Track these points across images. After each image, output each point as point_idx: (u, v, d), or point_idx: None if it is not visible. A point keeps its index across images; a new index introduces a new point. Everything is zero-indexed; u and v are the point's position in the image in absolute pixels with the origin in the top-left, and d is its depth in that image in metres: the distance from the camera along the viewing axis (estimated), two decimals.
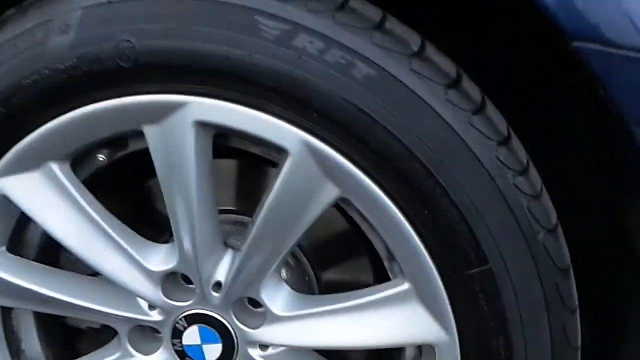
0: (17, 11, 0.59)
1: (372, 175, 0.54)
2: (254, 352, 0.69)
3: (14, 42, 0.56)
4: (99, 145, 0.63)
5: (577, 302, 0.58)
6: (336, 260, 0.80)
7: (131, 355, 0.73)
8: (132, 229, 0.68)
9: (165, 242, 0.77)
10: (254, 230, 0.61)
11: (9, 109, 0.57)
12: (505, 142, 0.53)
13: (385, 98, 0.51)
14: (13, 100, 0.57)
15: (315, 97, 0.52)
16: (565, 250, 0.57)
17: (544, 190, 0.56)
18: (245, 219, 0.78)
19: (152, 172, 0.71)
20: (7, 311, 0.74)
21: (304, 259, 0.77)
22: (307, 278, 0.77)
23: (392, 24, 0.54)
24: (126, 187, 0.77)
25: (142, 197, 0.80)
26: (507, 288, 0.54)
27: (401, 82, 0.51)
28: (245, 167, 0.77)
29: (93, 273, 0.73)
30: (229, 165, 0.77)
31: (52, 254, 0.75)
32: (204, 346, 0.71)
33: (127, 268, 0.66)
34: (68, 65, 0.55)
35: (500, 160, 0.52)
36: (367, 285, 0.79)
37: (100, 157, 0.63)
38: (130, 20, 0.53)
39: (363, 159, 0.53)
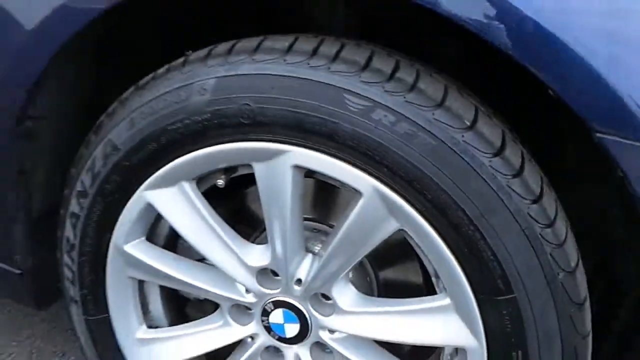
0: (167, 71, 0.77)
1: (426, 217, 0.67)
2: (324, 334, 0.85)
3: (164, 97, 0.74)
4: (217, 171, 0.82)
5: (589, 329, 0.70)
6: (392, 263, 0.94)
7: (229, 325, 0.91)
8: (233, 227, 0.87)
9: (255, 239, 0.95)
10: (331, 246, 0.77)
11: (158, 145, 0.76)
12: (537, 200, 0.65)
13: (440, 162, 0.64)
14: (161, 139, 0.75)
15: (386, 157, 0.66)
16: (582, 287, 0.68)
17: (569, 237, 0.68)
18: (320, 226, 0.93)
19: (248, 185, 0.88)
20: (141, 283, 0.94)
21: (367, 263, 0.92)
22: (368, 278, 0.92)
23: (451, 101, 0.66)
24: (230, 196, 0.95)
25: (241, 203, 0.99)
26: (528, 314, 0.66)
27: (454, 151, 0.63)
28: (322, 185, 0.93)
29: (201, 259, 0.94)
30: (309, 183, 0.93)
31: (173, 243, 0.95)
32: (285, 325, 0.87)
33: (231, 261, 0.84)
34: (203, 118, 0.72)
35: (530, 216, 0.64)
36: (417, 285, 0.94)
37: (220, 182, 0.81)
38: (250, 89, 0.69)
39: (419, 204, 0.67)
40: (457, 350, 0.78)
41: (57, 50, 0.75)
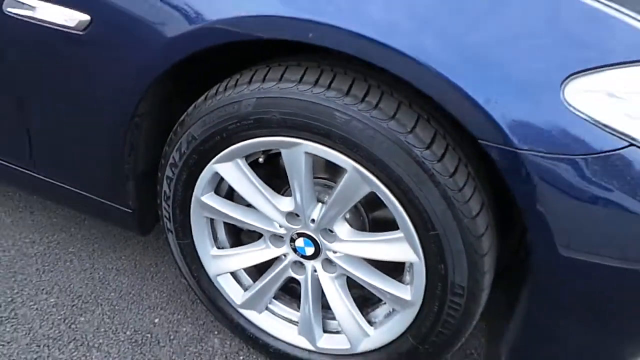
0: (224, 89, 1.18)
1: (386, 185, 1.07)
2: (330, 254, 1.27)
3: (225, 108, 1.15)
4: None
5: (485, 251, 1.10)
6: (378, 208, 1.33)
7: (269, 247, 1.32)
8: (271, 181, 1.30)
9: (285, 191, 1.38)
10: (330, 201, 1.19)
11: (222, 137, 1.18)
12: (452, 175, 1.04)
13: (391, 154, 1.02)
14: (224, 134, 1.17)
15: (359, 150, 1.05)
16: (481, 227, 1.07)
17: (473, 197, 1.08)
18: (329, 182, 1.34)
19: (277, 156, 1.30)
20: (212, 220, 1.35)
21: (361, 207, 1.32)
22: (361, 217, 1.33)
23: (401, 114, 1.05)
24: (266, 163, 1.38)
25: (276, 165, 1.42)
26: (445, 242, 1.06)
27: (399, 147, 1.03)
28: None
29: (249, 204, 1.39)
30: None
31: (231, 194, 1.40)
32: (305, 247, 1.25)
33: (269, 208, 1.26)
34: (249, 122, 1.13)
35: (447, 186, 1.04)
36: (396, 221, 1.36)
37: (260, 159, 1.25)
38: (277, 106, 1.08)
39: (382, 177, 1.06)
40: (411, 264, 1.23)
41: (157, 76, 1.18)
